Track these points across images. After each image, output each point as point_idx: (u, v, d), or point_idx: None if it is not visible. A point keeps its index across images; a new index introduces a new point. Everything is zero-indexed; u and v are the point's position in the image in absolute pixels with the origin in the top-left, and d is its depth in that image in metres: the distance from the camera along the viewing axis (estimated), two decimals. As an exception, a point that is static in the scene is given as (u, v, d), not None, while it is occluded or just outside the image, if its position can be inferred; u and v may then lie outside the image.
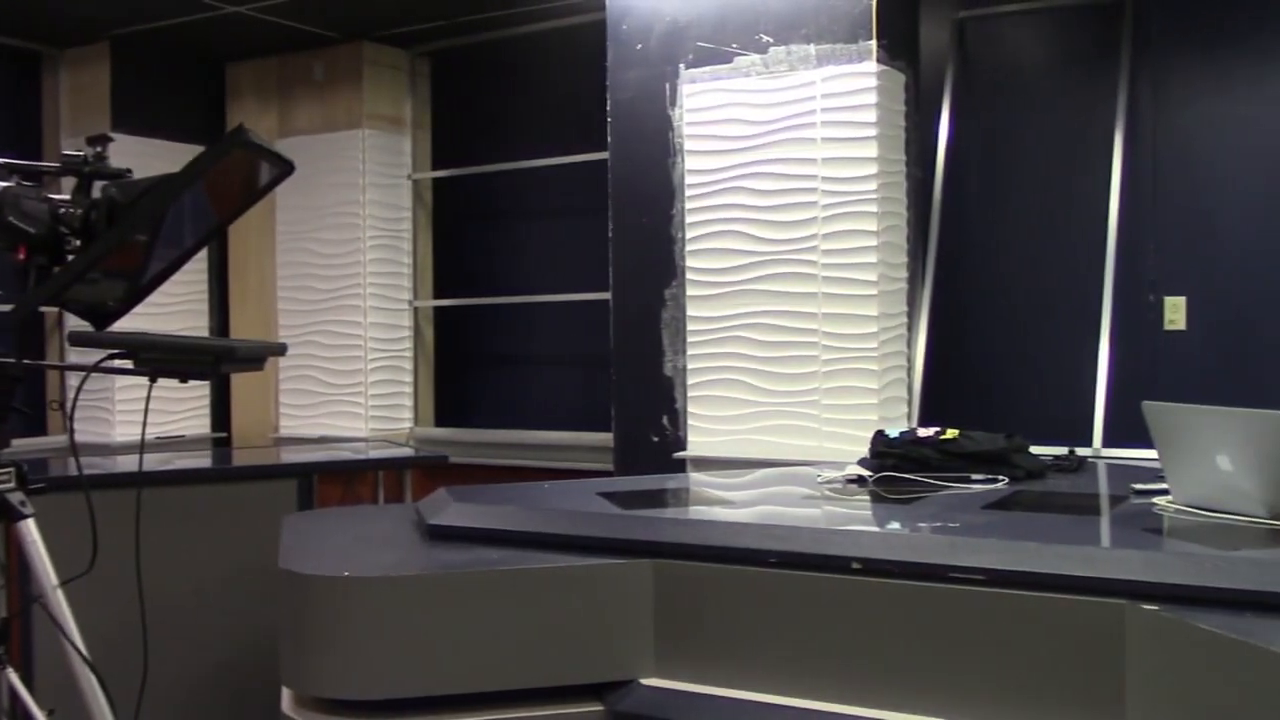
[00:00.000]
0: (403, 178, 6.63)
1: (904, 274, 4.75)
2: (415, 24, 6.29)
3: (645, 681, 2.42)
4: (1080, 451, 3.66)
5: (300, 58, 6.57)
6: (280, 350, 2.66)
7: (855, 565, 2.29)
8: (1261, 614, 1.92)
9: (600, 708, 2.36)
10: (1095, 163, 4.86)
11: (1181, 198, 4.78)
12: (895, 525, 2.71)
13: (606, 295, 5.25)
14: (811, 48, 4.62)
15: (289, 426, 6.58)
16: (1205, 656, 1.89)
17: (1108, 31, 4.93)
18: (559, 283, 6.22)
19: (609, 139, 5.12)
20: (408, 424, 6.62)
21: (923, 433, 3.32)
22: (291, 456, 4.94)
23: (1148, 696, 1.99)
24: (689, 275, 4.89)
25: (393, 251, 6.57)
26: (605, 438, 5.33)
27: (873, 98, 4.51)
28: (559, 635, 2.40)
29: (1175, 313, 4.76)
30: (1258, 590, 1.98)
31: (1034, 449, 3.38)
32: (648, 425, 5.00)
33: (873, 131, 4.51)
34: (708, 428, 4.85)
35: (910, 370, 4.85)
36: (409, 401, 6.66)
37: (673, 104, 4.94)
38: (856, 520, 2.86)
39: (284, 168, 2.28)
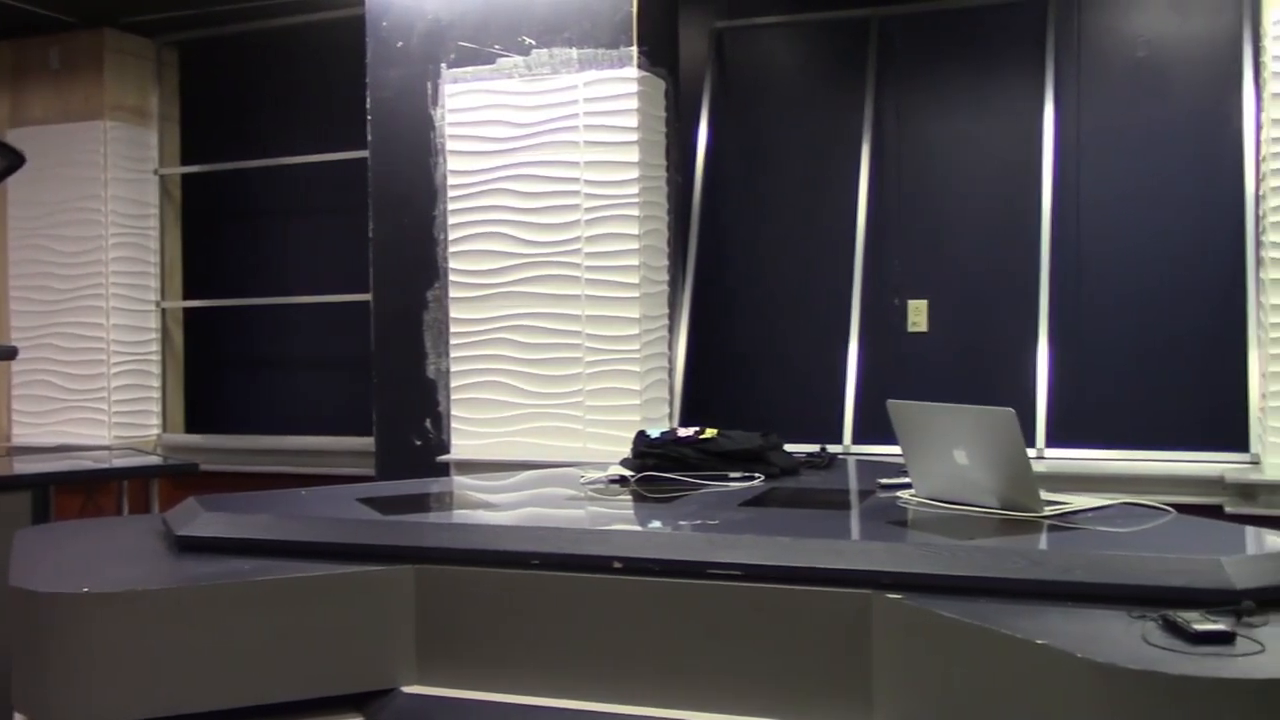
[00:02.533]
0: (149, 173, 6.32)
1: (665, 277, 4.84)
2: (162, 12, 6.00)
3: (407, 689, 2.38)
4: (831, 448, 3.81)
5: (35, 43, 6.17)
6: (10, 354, 2.49)
7: (616, 564, 2.32)
8: (995, 599, 2.04)
9: (360, 719, 2.31)
10: (844, 171, 5.07)
11: (923, 206, 5.04)
12: (656, 524, 2.75)
13: (367, 297, 5.15)
14: (574, 51, 4.66)
15: (23, 435, 6.17)
16: (946, 642, 2.00)
17: (856, 47, 5.16)
18: (317, 284, 6.06)
19: (369, 137, 5.02)
20: (155, 430, 6.31)
21: (683, 432, 3.38)
22: (25, 467, 4.64)
23: (893, 682, 2.09)
24: (452, 277, 4.85)
25: (138, 250, 6.25)
26: (366, 442, 5.23)
27: (634, 103, 4.58)
28: (316, 646, 2.33)
29: (918, 315, 5.01)
30: (991, 577, 2.11)
31: (788, 447, 3.49)
32: (410, 429, 4.93)
33: (634, 136, 4.58)
34: (471, 430, 4.82)
35: (671, 371, 4.95)
36: (156, 407, 6.35)
37: (434, 103, 4.88)
38: (618, 520, 2.89)
39: (14, 159, 2.14)
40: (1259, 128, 4.19)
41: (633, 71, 4.59)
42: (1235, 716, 1.69)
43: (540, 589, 2.36)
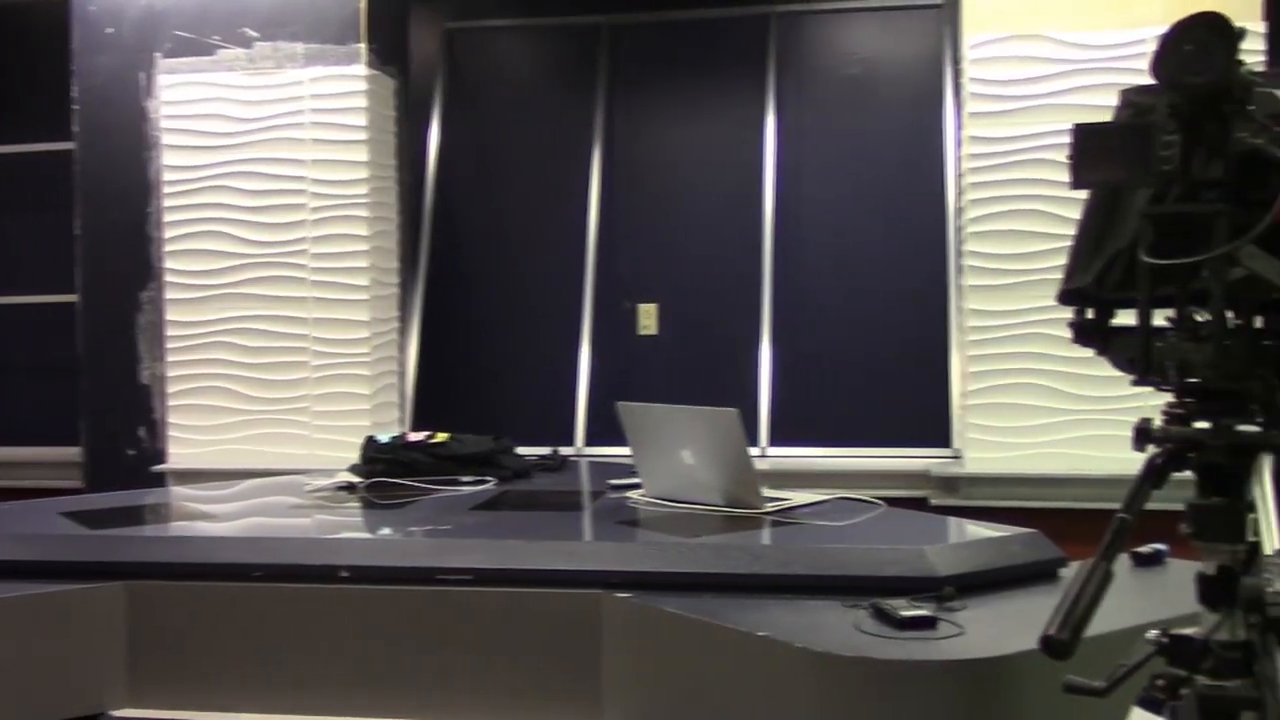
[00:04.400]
0: None
1: (396, 279, 4.76)
2: None
3: (117, 713, 2.25)
4: (563, 451, 3.84)
5: None
6: None
7: (344, 573, 2.26)
8: (719, 594, 2.10)
9: (63, 747, 2.17)
10: (576, 176, 5.12)
11: (653, 211, 5.15)
12: (385, 530, 2.71)
13: (73, 297, 4.83)
14: (300, 46, 4.52)
15: None
16: (671, 638, 2.04)
17: (587, 53, 5.21)
18: (15, 283, 5.63)
19: (75, 129, 4.71)
20: None
21: (413, 437, 3.34)
22: None
23: (622, 679, 2.12)
24: (168, 277, 4.61)
25: None
26: (73, 452, 4.90)
27: (363, 101, 4.48)
28: (14, 671, 2.17)
29: (648, 318, 5.11)
30: (715, 573, 2.17)
31: (520, 450, 3.49)
32: (122, 438, 4.66)
33: (363, 135, 4.48)
34: (190, 438, 4.60)
35: (402, 375, 4.87)
36: None
37: (148, 95, 4.63)
38: (346, 528, 2.83)
39: None
40: (959, 144, 4.49)
41: (361, 69, 4.49)
42: (938, 695, 1.80)
43: (264, 602, 2.28)
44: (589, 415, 4.90)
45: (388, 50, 4.68)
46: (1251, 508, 1.39)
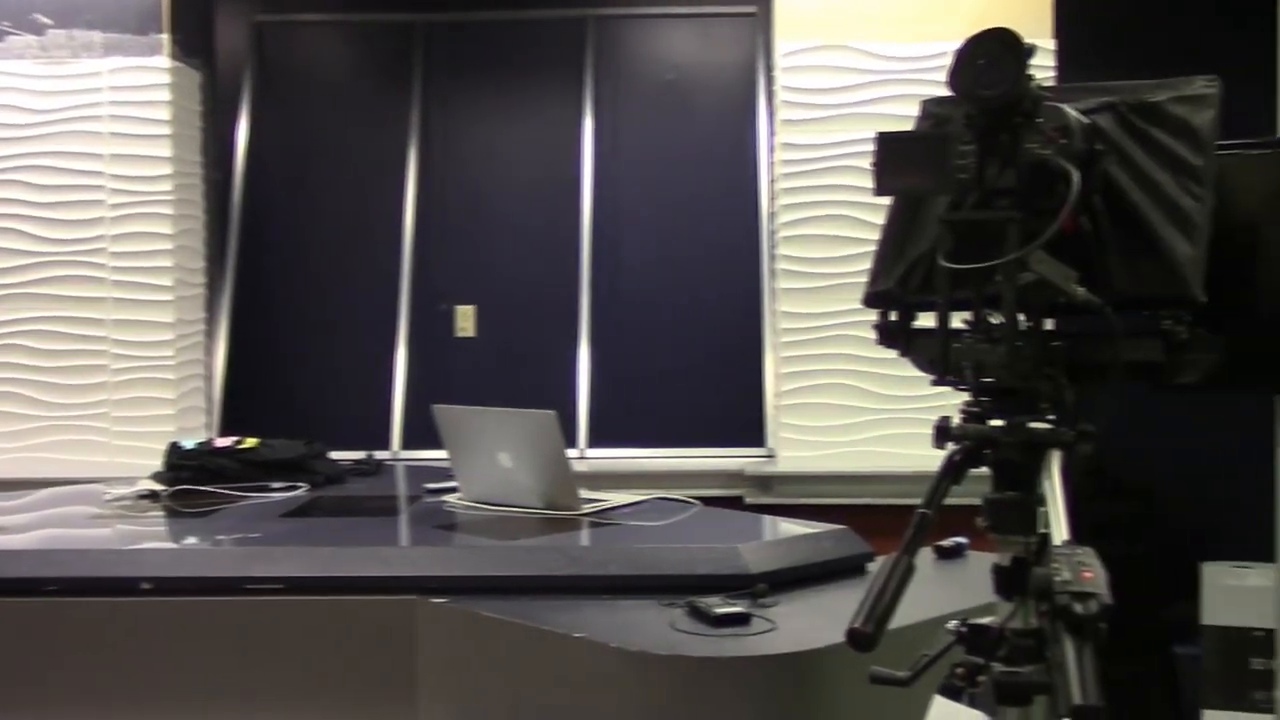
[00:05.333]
0: None
1: (202, 279, 4.60)
2: None
3: (-107, 741, 2.11)
4: (379, 455, 3.77)
5: None
6: None
7: (146, 585, 2.17)
8: (538, 597, 2.10)
9: None
10: (392, 175, 5.03)
11: (470, 212, 5.10)
12: (191, 540, 2.62)
13: None
14: (97, 35, 4.32)
15: None
16: (488, 642, 2.03)
17: (403, 51, 5.14)
18: None
19: None
20: None
21: (221, 442, 3.24)
22: None
23: (440, 685, 2.09)
24: (-48, 276, 4.36)
25: None
26: None
27: (166, 94, 4.32)
28: None
29: (465, 320, 5.06)
30: (533, 575, 2.17)
31: (334, 454, 3.42)
32: (-99, 447, 4.37)
33: (166, 130, 4.32)
34: (-22, 447, 4.35)
35: (209, 379, 4.70)
36: None
37: (-70, 82, 4.36)
38: (148, 538, 2.72)
39: None
40: (771, 150, 4.59)
41: (164, 61, 4.32)
42: (751, 690, 1.84)
43: (61, 618, 2.17)
44: (405, 419, 4.83)
45: (192, 42, 4.52)
46: (1042, 501, 1.46)
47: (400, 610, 2.12)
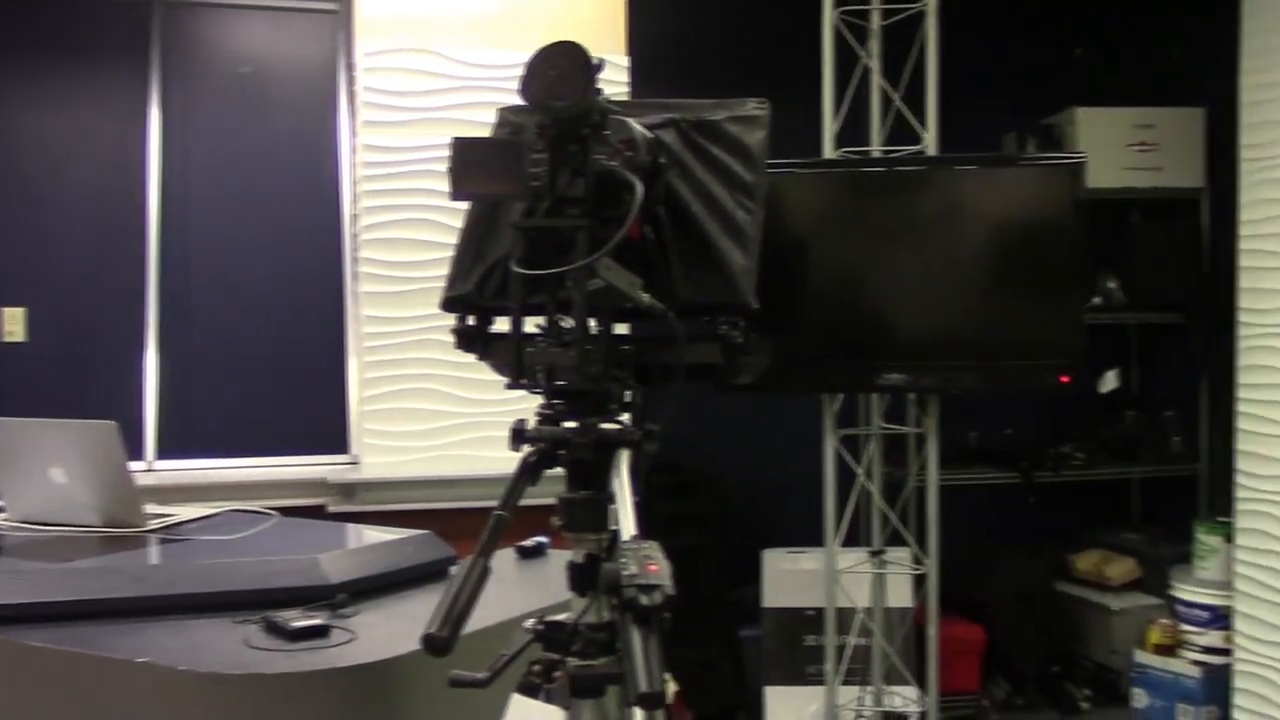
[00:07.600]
0: None
1: None
2: None
3: None
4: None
5: None
6: None
7: None
8: (98, 621, 1.95)
9: None
10: (-77, 163, 4.53)
11: (18, 205, 4.67)
12: None
13: None
14: None
15: None
16: (43, 674, 1.86)
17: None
18: None
19: None
20: None
21: None
22: None
23: (-21, 727, 1.90)
24: None
25: None
26: None
27: None
28: None
29: (15, 324, 4.64)
30: (90, 599, 2.01)
31: None
32: None
33: None
34: None
35: None
36: None
37: None
38: None
39: None
40: (354, 151, 4.51)
41: None
42: (332, 703, 1.79)
43: None
44: (-58, 433, 4.35)
45: None
46: (612, 499, 1.52)
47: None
